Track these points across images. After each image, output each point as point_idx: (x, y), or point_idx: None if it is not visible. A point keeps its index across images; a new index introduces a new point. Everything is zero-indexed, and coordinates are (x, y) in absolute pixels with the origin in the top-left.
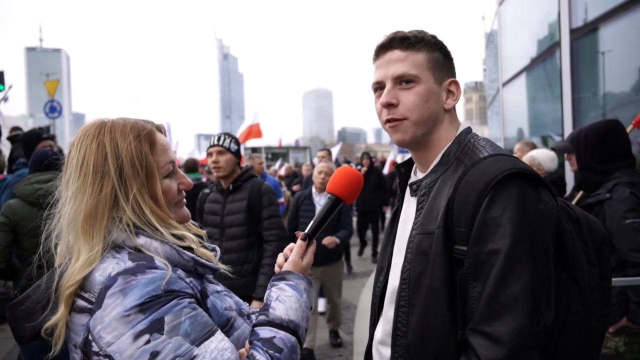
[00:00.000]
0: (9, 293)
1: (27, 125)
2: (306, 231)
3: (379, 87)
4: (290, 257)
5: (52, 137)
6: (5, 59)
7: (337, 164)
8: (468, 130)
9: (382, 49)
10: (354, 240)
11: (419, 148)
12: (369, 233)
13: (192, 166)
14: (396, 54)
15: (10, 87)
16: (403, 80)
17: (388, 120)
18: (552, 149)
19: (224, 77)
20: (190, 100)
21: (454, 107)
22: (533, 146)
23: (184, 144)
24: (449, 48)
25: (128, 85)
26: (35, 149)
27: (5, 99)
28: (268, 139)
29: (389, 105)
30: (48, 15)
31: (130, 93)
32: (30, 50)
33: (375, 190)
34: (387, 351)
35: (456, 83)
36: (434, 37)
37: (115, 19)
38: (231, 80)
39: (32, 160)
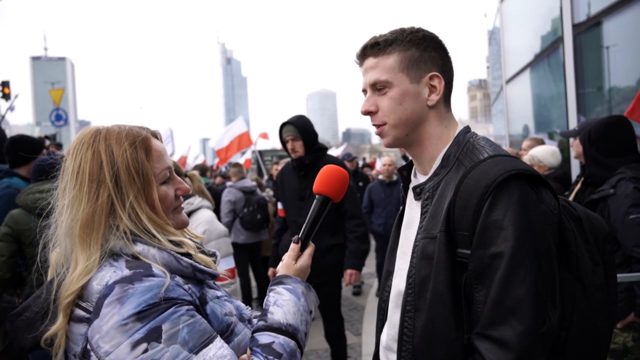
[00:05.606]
0: (14, 302)
1: (34, 134)
2: (299, 235)
3: (365, 93)
4: (283, 260)
5: (55, 145)
6: (11, 69)
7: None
8: (467, 129)
9: (360, 58)
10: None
11: (410, 147)
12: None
13: (200, 171)
14: (370, 61)
15: (16, 96)
16: (378, 87)
17: (374, 126)
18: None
19: (227, 80)
20: (194, 105)
21: (441, 102)
22: (542, 143)
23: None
24: (447, 43)
25: (132, 91)
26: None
27: (11, 108)
28: (274, 142)
29: (369, 113)
30: (52, 24)
31: (134, 99)
32: (35, 59)
33: (334, 231)
34: (394, 356)
35: (438, 76)
36: (411, 34)
37: (118, 26)
38: (235, 83)
39: (33, 169)
